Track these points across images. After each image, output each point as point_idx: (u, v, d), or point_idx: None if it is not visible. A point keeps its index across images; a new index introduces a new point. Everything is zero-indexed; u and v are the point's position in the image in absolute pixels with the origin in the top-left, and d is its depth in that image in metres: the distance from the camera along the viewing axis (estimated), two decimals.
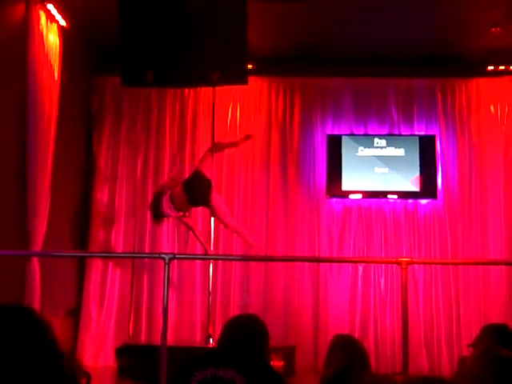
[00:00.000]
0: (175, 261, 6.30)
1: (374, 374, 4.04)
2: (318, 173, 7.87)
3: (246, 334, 2.70)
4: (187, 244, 7.65)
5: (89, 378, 3.21)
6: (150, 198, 7.77)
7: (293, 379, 6.15)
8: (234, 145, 7.17)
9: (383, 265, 7.60)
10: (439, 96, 7.97)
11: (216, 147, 6.73)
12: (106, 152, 7.86)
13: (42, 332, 1.33)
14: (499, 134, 7.84)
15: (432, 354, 7.39)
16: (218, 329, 5.52)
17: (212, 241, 6.63)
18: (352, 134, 7.95)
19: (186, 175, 7.05)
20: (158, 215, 6.44)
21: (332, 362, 2.79)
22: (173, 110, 8.00)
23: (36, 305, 5.62)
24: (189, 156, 7.89)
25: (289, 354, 6.52)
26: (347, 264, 7.67)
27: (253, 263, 7.63)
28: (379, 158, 7.85)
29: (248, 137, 7.08)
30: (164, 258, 3.68)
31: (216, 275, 7.40)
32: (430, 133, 7.92)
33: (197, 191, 6.39)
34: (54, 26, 6.34)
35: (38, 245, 5.88)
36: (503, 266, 7.54)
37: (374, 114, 8.00)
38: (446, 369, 7.15)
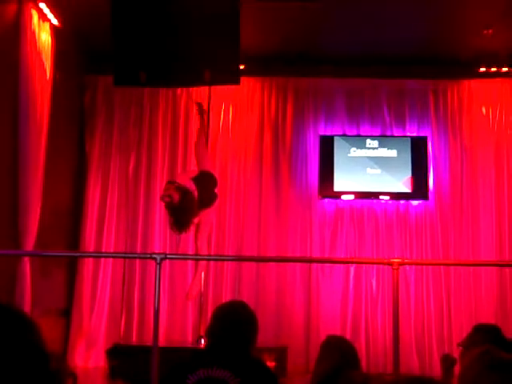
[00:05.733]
0: (167, 261, 6.26)
1: (366, 373, 4.04)
2: (311, 173, 7.88)
3: (235, 321, 2.67)
4: (179, 244, 7.63)
5: (75, 378, 3.20)
6: (142, 197, 7.77)
7: (284, 380, 6.15)
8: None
9: (375, 265, 7.60)
10: (431, 97, 7.99)
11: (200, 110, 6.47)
12: (98, 150, 7.84)
13: (27, 331, 1.32)
14: (490, 135, 7.87)
15: (423, 355, 7.41)
16: None
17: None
18: (344, 135, 7.96)
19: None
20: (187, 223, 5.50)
21: (323, 362, 2.79)
22: (165, 108, 7.99)
23: (26, 305, 5.60)
24: (181, 154, 7.88)
25: (280, 354, 6.53)
26: (339, 265, 7.68)
27: (244, 263, 7.63)
28: (371, 158, 7.86)
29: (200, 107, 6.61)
30: (155, 258, 3.68)
31: (208, 276, 7.39)
32: (422, 134, 7.95)
33: (209, 188, 5.89)
34: (47, 24, 6.32)
35: (29, 244, 5.86)
36: (494, 267, 7.57)
37: (366, 115, 8.01)
38: (437, 369, 7.15)
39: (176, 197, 5.32)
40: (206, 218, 6.11)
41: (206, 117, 6.50)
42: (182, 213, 5.39)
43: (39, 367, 1.28)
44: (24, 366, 1.25)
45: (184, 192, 5.39)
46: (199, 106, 6.32)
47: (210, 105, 6.88)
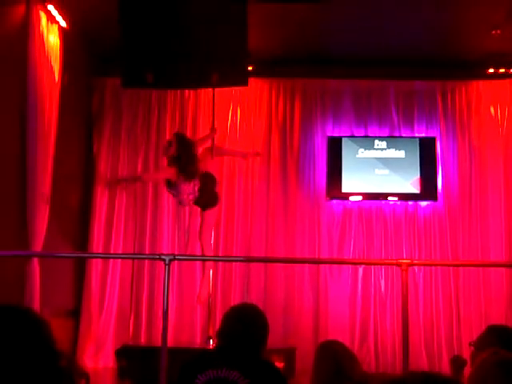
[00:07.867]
0: (175, 262, 6.28)
1: (367, 372, 4.04)
2: (318, 175, 7.87)
3: (245, 323, 2.67)
4: (187, 245, 7.65)
5: (87, 378, 3.21)
6: (150, 198, 7.78)
7: (293, 381, 6.14)
8: (240, 154, 7.43)
9: (383, 266, 7.59)
10: (439, 98, 7.97)
11: (217, 150, 6.70)
12: (106, 153, 7.85)
13: (38, 332, 1.33)
14: (499, 136, 7.84)
15: (432, 356, 7.39)
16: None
17: (212, 241, 6.56)
18: (352, 136, 7.95)
19: None
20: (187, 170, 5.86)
21: (319, 372, 2.78)
22: (173, 110, 8.00)
23: (36, 306, 5.62)
24: None
25: (289, 355, 6.51)
26: (347, 266, 7.66)
27: (253, 265, 7.63)
28: (379, 159, 7.85)
29: (257, 154, 7.38)
30: (164, 259, 3.68)
31: (216, 276, 7.39)
32: (431, 135, 7.92)
33: (210, 188, 6.13)
34: (55, 26, 6.34)
35: (38, 245, 5.87)
36: (503, 268, 7.54)
37: (374, 116, 8.00)
38: (447, 370, 7.13)
39: (173, 149, 5.91)
40: (209, 217, 6.22)
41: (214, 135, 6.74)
42: (184, 161, 5.89)
43: (49, 364, 1.29)
44: (34, 363, 1.26)
45: (181, 141, 5.95)
46: (213, 130, 6.68)
47: (214, 105, 6.86)
